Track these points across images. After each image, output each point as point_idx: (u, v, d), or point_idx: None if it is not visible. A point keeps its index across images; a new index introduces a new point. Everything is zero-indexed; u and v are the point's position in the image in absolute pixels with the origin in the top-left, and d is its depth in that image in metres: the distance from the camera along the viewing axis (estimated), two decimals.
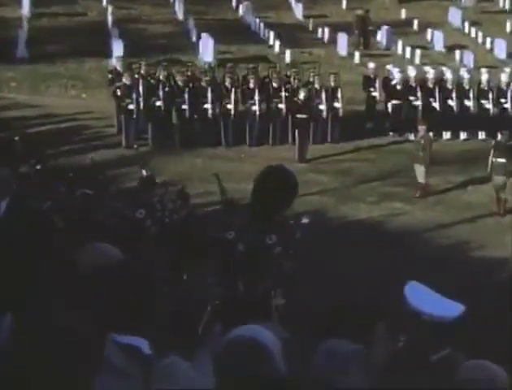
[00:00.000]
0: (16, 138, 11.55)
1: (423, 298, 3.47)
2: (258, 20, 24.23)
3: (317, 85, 17.01)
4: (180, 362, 2.48)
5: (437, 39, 23.81)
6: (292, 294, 4.71)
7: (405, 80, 17.78)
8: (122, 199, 9.67)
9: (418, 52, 22.30)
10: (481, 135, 17.71)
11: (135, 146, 13.31)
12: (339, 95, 17.01)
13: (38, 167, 10.38)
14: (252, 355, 2.59)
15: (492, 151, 14.43)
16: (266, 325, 2.84)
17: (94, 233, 7.63)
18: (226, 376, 2.54)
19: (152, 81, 16.62)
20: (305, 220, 5.20)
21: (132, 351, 2.41)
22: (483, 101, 17.81)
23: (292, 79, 17.27)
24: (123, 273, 2.59)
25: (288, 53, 21.44)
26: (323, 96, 16.85)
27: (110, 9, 23.51)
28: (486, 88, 17.90)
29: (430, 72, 18.07)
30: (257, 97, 16.50)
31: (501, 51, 23.12)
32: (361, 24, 23.60)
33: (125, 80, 16.25)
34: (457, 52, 22.79)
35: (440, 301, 3.50)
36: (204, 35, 21.31)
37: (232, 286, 4.53)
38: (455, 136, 17.70)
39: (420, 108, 17.54)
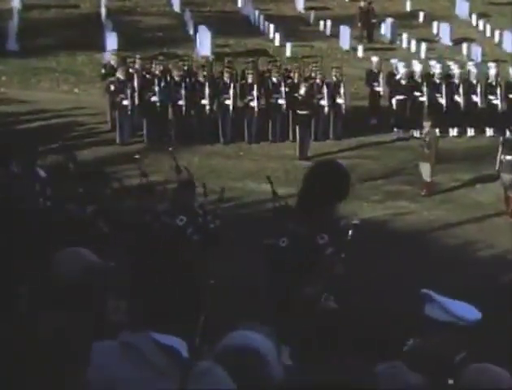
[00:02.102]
0: (60, 142, 11.15)
1: (443, 301, 3.47)
2: (257, 12, 24.20)
3: (318, 80, 16.75)
4: (218, 368, 2.43)
5: (444, 32, 23.87)
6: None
7: (410, 75, 17.56)
8: (161, 203, 9.05)
9: (423, 45, 22.26)
10: (489, 131, 17.54)
11: (170, 149, 12.44)
12: (341, 90, 16.84)
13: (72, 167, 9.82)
14: (244, 362, 2.58)
15: (500, 148, 14.20)
16: (261, 330, 2.82)
17: (139, 237, 7.43)
18: None
19: (147, 76, 16.41)
20: (355, 221, 4.91)
21: (172, 352, 2.40)
22: (491, 97, 17.60)
23: (292, 73, 17.05)
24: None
25: (288, 46, 21.29)
26: (325, 91, 16.61)
27: (103, 0, 23.46)
28: (494, 83, 17.70)
29: (436, 67, 17.86)
30: (256, 93, 16.29)
31: (509, 44, 23.09)
32: (364, 17, 23.53)
33: (119, 74, 16.03)
34: (465, 45, 22.77)
35: (459, 304, 3.49)
36: (201, 28, 21.25)
37: (281, 289, 4.43)
38: (462, 132, 17.53)
39: (426, 104, 17.31)
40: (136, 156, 11.16)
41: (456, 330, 3.38)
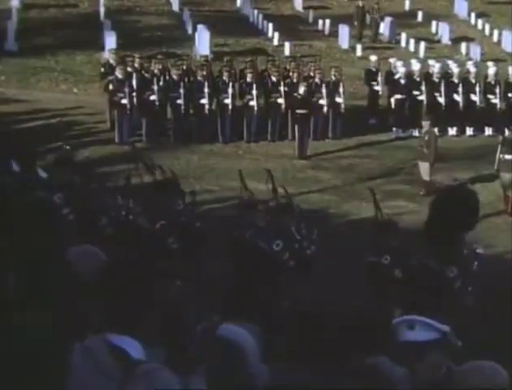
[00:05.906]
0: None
1: (422, 319, 3.38)
2: (256, 12, 24.18)
3: (317, 79, 16.71)
4: (163, 370, 2.41)
5: (443, 31, 23.86)
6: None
7: (408, 74, 17.52)
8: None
9: (422, 45, 22.22)
10: (488, 130, 17.50)
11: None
12: (340, 89, 16.78)
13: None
14: (224, 352, 2.63)
15: (499, 147, 14.14)
16: (246, 326, 2.82)
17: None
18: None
19: (146, 75, 16.34)
20: (479, 250, 4.64)
21: (120, 353, 2.39)
22: (490, 96, 17.56)
23: (291, 73, 16.99)
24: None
25: (287, 46, 21.25)
26: (324, 90, 16.55)
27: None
28: (493, 82, 17.66)
29: (435, 66, 17.81)
30: (255, 92, 16.23)
31: (508, 43, 23.07)
32: (361, 16, 23.52)
33: (117, 73, 15.92)
34: (464, 44, 22.76)
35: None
36: (200, 27, 21.21)
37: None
38: (461, 131, 17.47)
39: (425, 103, 17.27)
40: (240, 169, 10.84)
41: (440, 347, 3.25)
